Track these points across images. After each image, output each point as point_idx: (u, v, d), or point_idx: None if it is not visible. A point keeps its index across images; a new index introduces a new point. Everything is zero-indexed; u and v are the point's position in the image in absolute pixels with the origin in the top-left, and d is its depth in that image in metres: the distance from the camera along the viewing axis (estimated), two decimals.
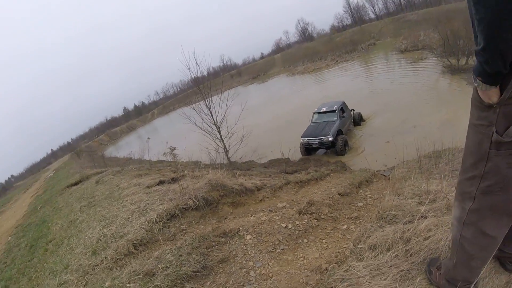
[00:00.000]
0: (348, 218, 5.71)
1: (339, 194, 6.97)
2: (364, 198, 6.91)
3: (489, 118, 1.50)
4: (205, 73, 17.73)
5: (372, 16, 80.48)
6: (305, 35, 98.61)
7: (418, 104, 18.01)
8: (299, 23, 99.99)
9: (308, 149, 16.72)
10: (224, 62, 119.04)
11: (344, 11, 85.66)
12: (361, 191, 7.52)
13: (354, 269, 3.06)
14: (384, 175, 9.45)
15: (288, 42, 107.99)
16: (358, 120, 19.05)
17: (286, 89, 45.43)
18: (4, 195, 63.57)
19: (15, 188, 69.51)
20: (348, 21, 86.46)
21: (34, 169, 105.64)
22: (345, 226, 5.16)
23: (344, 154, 15.34)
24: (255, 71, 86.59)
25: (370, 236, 3.58)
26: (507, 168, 1.54)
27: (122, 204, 7.18)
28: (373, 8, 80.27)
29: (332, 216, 5.65)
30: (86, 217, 7.84)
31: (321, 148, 16.34)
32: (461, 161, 1.78)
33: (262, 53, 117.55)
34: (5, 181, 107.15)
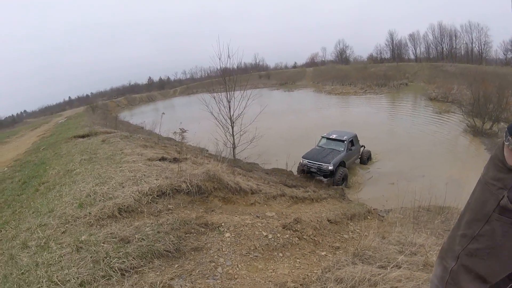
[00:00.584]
0: (329, 246, 5.79)
1: (328, 220, 7.05)
2: (352, 232, 6.98)
3: (505, 182, 1.38)
4: (235, 67, 17.75)
5: (412, 56, 79.16)
6: (342, 57, 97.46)
7: (432, 155, 17.94)
8: (339, 44, 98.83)
9: (304, 171, 16.21)
10: (257, 61, 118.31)
11: (386, 44, 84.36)
12: (351, 223, 7.59)
13: None
14: (380, 215, 9.48)
15: (323, 59, 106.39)
16: (365, 159, 18.55)
17: (310, 104, 45.40)
18: (12, 127, 64.41)
19: (24, 124, 70.26)
20: (387, 54, 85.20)
21: (47, 111, 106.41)
22: (323, 253, 5.26)
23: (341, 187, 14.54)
24: (284, 77, 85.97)
25: (340, 269, 3.65)
26: (501, 236, 1.47)
27: (120, 168, 7.30)
28: (414, 49, 79.09)
29: (314, 240, 5.73)
30: (83, 170, 7.98)
31: (319, 175, 15.85)
32: (459, 215, 1.68)
33: (295, 63, 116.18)
34: (17, 114, 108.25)
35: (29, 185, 8.70)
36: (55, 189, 7.12)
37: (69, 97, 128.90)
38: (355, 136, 17.78)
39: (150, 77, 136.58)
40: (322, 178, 15.96)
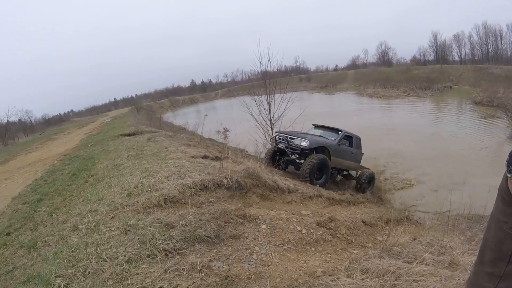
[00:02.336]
0: (362, 245, 5.94)
1: (363, 222, 7.17)
2: (386, 235, 7.03)
3: None
4: (275, 69, 17.93)
5: (456, 58, 75.86)
6: (384, 59, 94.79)
7: (474, 161, 17.05)
8: (381, 46, 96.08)
9: (274, 153, 13.30)
10: (297, 63, 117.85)
11: (429, 46, 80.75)
12: (386, 227, 7.63)
13: (340, 281, 3.39)
14: (417, 221, 9.46)
15: (365, 61, 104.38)
16: (363, 181, 13.48)
17: (350, 107, 44.74)
18: (59, 125, 67.13)
19: (71, 122, 73.01)
20: (430, 56, 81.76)
21: (93, 111, 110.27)
22: (355, 251, 5.40)
23: (320, 184, 11.18)
24: (325, 80, 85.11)
25: (367, 260, 3.85)
26: None
27: (166, 164, 7.74)
28: (459, 50, 75.81)
29: (347, 238, 5.91)
30: (131, 165, 8.48)
31: (289, 154, 12.64)
32: (479, 250, 1.56)
33: (336, 65, 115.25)
34: (64, 113, 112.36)
35: (79, 176, 9.29)
36: (104, 180, 7.65)
37: (115, 98, 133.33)
38: (358, 139, 14.41)
39: (192, 80, 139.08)
40: (294, 161, 12.82)
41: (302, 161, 12.14)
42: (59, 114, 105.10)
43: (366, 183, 13.32)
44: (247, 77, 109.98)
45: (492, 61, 63.13)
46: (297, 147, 11.92)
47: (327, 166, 11.84)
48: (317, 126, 14.88)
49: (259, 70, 16.75)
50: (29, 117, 68.55)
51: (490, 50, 69.32)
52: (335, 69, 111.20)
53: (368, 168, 14.77)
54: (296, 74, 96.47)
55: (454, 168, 16.07)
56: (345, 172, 14.42)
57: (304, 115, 16.23)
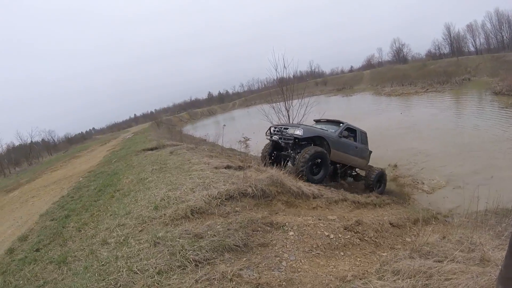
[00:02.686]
0: (390, 247, 5.90)
1: (390, 223, 7.12)
2: (415, 235, 6.95)
3: None
4: (291, 76, 17.94)
5: (472, 49, 74.52)
6: (399, 56, 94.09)
7: (500, 154, 16.34)
8: (395, 43, 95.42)
9: (271, 148, 12.35)
10: (312, 68, 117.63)
11: (443, 39, 79.64)
12: (414, 228, 7.54)
13: (372, 284, 3.38)
14: (445, 220, 9.34)
15: (380, 60, 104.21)
16: (371, 181, 12.47)
17: (369, 108, 44.20)
18: (82, 143, 68.46)
19: (93, 140, 74.25)
20: (445, 49, 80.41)
21: (115, 128, 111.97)
22: (384, 254, 5.36)
23: (316, 181, 10.12)
24: (341, 83, 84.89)
25: (398, 262, 3.83)
26: None
27: (190, 176, 7.80)
28: (473, 40, 74.52)
29: (375, 241, 5.88)
30: (155, 178, 8.58)
31: (284, 147, 11.66)
32: (509, 243, 1.59)
33: (351, 66, 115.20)
34: (86, 131, 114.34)
35: (105, 192, 9.44)
36: (130, 195, 7.75)
37: (135, 114, 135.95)
38: (364, 134, 13.46)
39: (209, 92, 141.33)
40: (290, 156, 11.61)
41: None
42: (81, 132, 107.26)
43: (375, 183, 12.40)
44: (263, 85, 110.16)
45: (508, 48, 62.02)
46: (290, 136, 10.94)
47: (326, 159, 10.63)
48: (318, 121, 14.05)
49: (275, 77, 16.88)
50: (51, 137, 70.23)
51: (505, 38, 68.33)
52: (351, 70, 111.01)
53: (378, 167, 13.52)
54: (312, 79, 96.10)
55: (479, 163, 15.50)
56: (353, 173, 13.71)
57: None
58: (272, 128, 12.28)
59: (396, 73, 66.71)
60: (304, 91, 17.76)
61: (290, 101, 16.10)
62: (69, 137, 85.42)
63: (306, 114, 15.85)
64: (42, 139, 64.88)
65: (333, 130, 12.21)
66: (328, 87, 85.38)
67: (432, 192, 13.78)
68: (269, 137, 12.24)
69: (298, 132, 10.60)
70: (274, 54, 16.32)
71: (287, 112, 15.91)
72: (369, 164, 13.68)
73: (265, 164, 10.22)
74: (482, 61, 55.85)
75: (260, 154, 12.86)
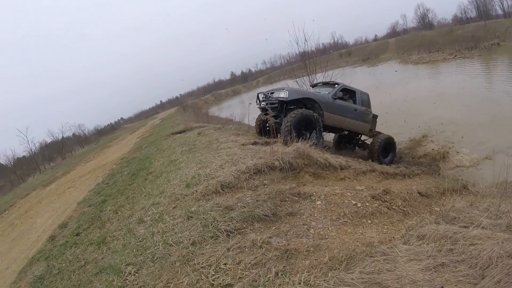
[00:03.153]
0: (418, 216, 5.96)
1: (419, 193, 7.15)
2: (443, 205, 6.97)
3: None
4: (313, 49, 17.64)
5: (500, 12, 69.80)
6: (424, 22, 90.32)
7: None
8: (419, 8, 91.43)
9: (263, 119, 11.39)
10: (335, 39, 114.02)
11: (469, 2, 75.61)
12: (444, 198, 7.53)
13: (397, 248, 3.48)
14: (475, 190, 9.24)
15: (405, 27, 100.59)
16: (376, 149, 11.48)
17: (396, 77, 42.85)
18: (112, 133, 69.85)
19: (122, 129, 75.71)
20: (472, 13, 76.38)
21: (142, 116, 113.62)
22: (412, 222, 5.46)
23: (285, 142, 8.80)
24: (366, 53, 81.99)
25: (423, 227, 3.92)
26: None
27: (218, 154, 7.99)
28: (501, 3, 69.21)
29: (403, 210, 5.95)
30: (185, 159, 8.79)
31: (269, 111, 10.49)
32: None
33: (376, 35, 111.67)
34: (115, 121, 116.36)
35: (138, 176, 9.76)
36: (162, 176, 8.02)
37: (160, 100, 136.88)
38: (365, 95, 12.33)
39: (232, 72, 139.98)
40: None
41: None
42: (110, 123, 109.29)
43: (380, 151, 11.38)
44: (285, 61, 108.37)
45: None
46: (275, 100, 10.06)
47: (315, 123, 9.63)
48: (314, 85, 13.10)
49: (297, 52, 16.65)
50: (82, 130, 71.76)
51: None
52: (375, 39, 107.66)
53: (386, 134, 12.37)
54: (335, 50, 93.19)
55: (510, 132, 15.10)
56: (358, 140, 12.85)
57: None
58: (260, 95, 11.41)
59: (423, 40, 64.27)
60: (327, 64, 17.42)
61: (314, 74, 15.90)
62: (99, 128, 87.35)
63: None
64: (73, 134, 66.69)
65: (326, 92, 11.28)
66: (352, 58, 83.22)
67: (462, 163, 13.50)
68: (258, 106, 11.43)
69: (283, 94, 9.76)
70: (294, 27, 16.15)
71: (312, 86, 15.74)
72: (377, 130, 13.01)
73: (260, 134, 10.79)
74: (511, 25, 53.45)
75: (255, 124, 12.21)
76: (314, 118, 9.59)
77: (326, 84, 12.52)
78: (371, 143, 12.00)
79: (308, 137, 9.15)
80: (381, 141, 11.53)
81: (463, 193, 8.45)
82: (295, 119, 9.13)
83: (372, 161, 10.56)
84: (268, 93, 10.84)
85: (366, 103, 12.13)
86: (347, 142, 12.87)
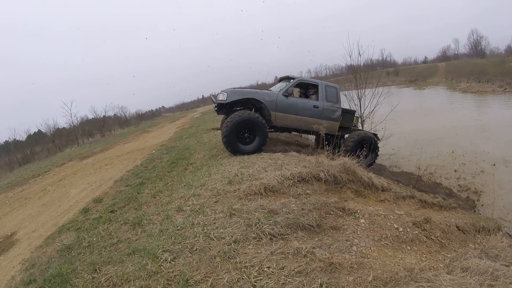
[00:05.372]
0: (454, 250, 5.84)
1: (457, 227, 7.01)
2: (478, 244, 6.83)
3: None
4: (361, 64, 17.36)
5: None
6: (476, 50, 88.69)
7: None
8: (472, 35, 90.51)
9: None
10: (384, 56, 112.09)
11: None
12: (478, 236, 7.39)
13: (441, 277, 3.44)
14: (508, 234, 9.02)
15: (456, 52, 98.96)
16: (348, 145, 10.38)
17: (442, 103, 41.74)
18: (152, 119, 71.06)
19: (162, 117, 76.87)
20: None
21: (183, 107, 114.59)
22: (449, 255, 5.35)
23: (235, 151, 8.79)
24: (413, 74, 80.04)
25: (467, 259, 3.88)
26: None
27: (261, 157, 8.06)
28: None
29: (441, 241, 5.83)
30: (227, 155, 8.93)
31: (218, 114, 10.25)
32: None
33: (425, 57, 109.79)
34: (156, 109, 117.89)
35: (178, 164, 9.83)
36: (203, 169, 8.09)
37: (202, 95, 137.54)
38: (332, 89, 10.85)
39: (276, 77, 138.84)
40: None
41: None
42: (151, 109, 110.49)
43: (354, 147, 10.09)
44: (331, 72, 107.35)
45: None
46: (215, 102, 9.61)
47: (259, 125, 8.93)
48: (280, 79, 11.79)
49: (348, 64, 16.41)
50: (123, 112, 73.06)
51: None
52: (424, 62, 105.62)
53: (368, 132, 11.72)
54: (383, 68, 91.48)
55: None
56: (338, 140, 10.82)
57: (395, 112, 15.63)
58: (212, 97, 10.80)
59: (474, 68, 62.18)
60: (379, 80, 17.13)
61: (363, 89, 15.66)
62: (140, 113, 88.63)
63: (379, 104, 15.37)
64: (114, 114, 67.85)
65: (279, 89, 10.20)
66: (399, 78, 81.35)
67: (496, 201, 13.10)
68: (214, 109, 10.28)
69: (222, 97, 9.21)
70: (349, 41, 15.98)
71: (359, 100, 15.54)
72: (359, 128, 12.38)
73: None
74: None
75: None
76: (256, 120, 8.91)
77: (284, 79, 11.34)
78: (346, 139, 10.94)
79: (251, 141, 9.00)
80: (356, 138, 10.55)
81: (497, 234, 8.25)
82: (233, 123, 8.64)
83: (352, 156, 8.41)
84: (215, 95, 10.24)
85: (333, 98, 10.68)
86: (327, 141, 10.72)
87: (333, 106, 10.54)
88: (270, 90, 10.43)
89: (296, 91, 11.43)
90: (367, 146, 10.60)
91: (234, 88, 9.71)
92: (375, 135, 11.79)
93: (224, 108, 9.46)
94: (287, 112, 9.74)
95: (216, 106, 9.69)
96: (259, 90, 9.91)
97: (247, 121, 8.76)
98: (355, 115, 12.22)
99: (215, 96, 10.02)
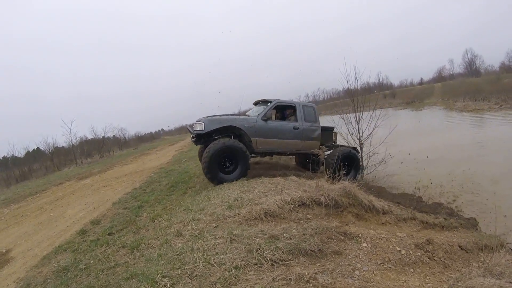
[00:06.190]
0: (458, 270, 5.79)
1: (459, 246, 6.97)
2: (482, 262, 6.80)
3: None
4: (358, 88, 17.59)
5: None
6: (471, 68, 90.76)
7: None
8: (467, 54, 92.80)
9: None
10: (380, 79, 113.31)
11: None
12: (481, 254, 7.36)
13: None
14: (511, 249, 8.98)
15: (451, 72, 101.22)
16: (333, 160, 10.19)
17: (440, 123, 41.79)
18: (151, 141, 71.35)
19: (161, 139, 77.39)
20: None
21: (183, 130, 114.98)
22: (453, 275, 5.31)
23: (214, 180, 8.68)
24: (410, 95, 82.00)
25: (471, 279, 3.88)
26: None
27: (261, 181, 8.01)
28: None
29: (444, 262, 5.78)
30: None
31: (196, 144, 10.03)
32: None
33: (421, 78, 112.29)
34: (155, 131, 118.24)
35: (177, 188, 9.86)
36: (202, 193, 8.06)
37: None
38: (310, 109, 10.87)
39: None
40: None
41: None
42: (150, 132, 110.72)
43: (336, 163, 9.69)
44: (328, 96, 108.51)
45: None
46: (193, 134, 9.39)
47: (239, 152, 8.85)
48: (256, 103, 11.45)
49: (345, 88, 16.61)
50: (123, 134, 73.15)
51: None
52: (420, 83, 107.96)
53: (348, 147, 11.72)
54: (380, 90, 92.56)
55: None
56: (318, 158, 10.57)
57: (393, 133, 15.67)
58: (188, 127, 10.67)
59: (469, 87, 63.77)
60: (376, 103, 17.28)
61: (361, 113, 15.78)
62: (139, 135, 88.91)
63: (377, 127, 15.45)
64: (114, 135, 67.93)
65: (257, 114, 9.96)
66: (396, 100, 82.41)
67: (498, 218, 12.96)
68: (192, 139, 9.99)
69: (199, 127, 9.00)
70: (346, 66, 16.10)
71: (357, 124, 15.62)
72: (339, 144, 12.18)
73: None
74: None
75: None
76: (237, 148, 8.82)
77: (262, 102, 10.96)
78: (327, 156, 10.84)
79: (233, 170, 8.90)
80: (338, 155, 10.32)
81: (500, 251, 8.21)
82: (213, 150, 8.52)
83: (333, 175, 8.49)
84: (191, 125, 10.21)
85: (311, 117, 10.70)
86: (308, 160, 11.12)
87: (312, 126, 10.59)
88: (247, 115, 10.39)
89: (273, 113, 11.12)
90: (349, 162, 10.79)
91: (210, 116, 9.50)
92: (355, 149, 11.93)
93: (202, 138, 9.34)
94: (268, 136, 9.67)
95: (193, 137, 9.49)
96: (237, 116, 9.80)
97: (229, 149, 8.69)
98: (334, 131, 12.31)
99: (192, 126, 9.87)
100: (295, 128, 10.12)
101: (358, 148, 12.77)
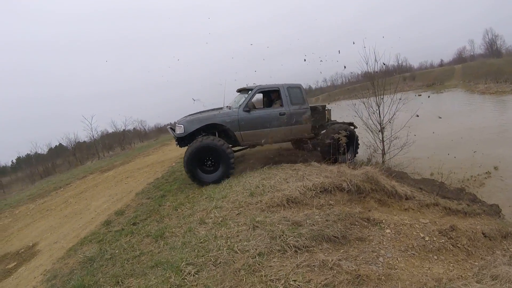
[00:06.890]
0: (481, 258, 5.73)
1: (483, 233, 6.88)
2: (505, 250, 6.71)
3: None
4: (377, 70, 17.17)
5: None
6: (492, 49, 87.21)
7: None
8: (487, 34, 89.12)
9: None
10: (399, 61, 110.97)
11: None
12: (505, 242, 7.25)
13: (471, 286, 3.39)
14: None
15: (472, 53, 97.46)
16: (327, 143, 9.57)
17: (461, 106, 40.95)
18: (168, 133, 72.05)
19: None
20: None
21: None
22: (476, 263, 5.26)
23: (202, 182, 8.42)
24: (430, 78, 79.57)
25: (496, 267, 3.84)
26: None
27: (282, 168, 8.05)
28: None
29: (467, 249, 5.71)
30: (248, 167, 8.94)
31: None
32: None
33: (441, 60, 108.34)
34: (174, 122, 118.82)
35: None
36: (224, 181, 8.10)
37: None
38: (295, 90, 9.89)
39: None
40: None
41: None
42: (170, 123, 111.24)
43: (331, 146, 9.19)
44: (347, 80, 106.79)
45: None
46: (175, 136, 8.96)
47: (218, 151, 8.32)
48: (240, 90, 10.52)
49: (364, 71, 16.33)
50: (143, 126, 73.77)
51: None
52: (441, 65, 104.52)
53: (342, 125, 10.71)
54: (399, 73, 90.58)
55: None
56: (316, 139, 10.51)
57: (414, 117, 15.36)
58: (170, 129, 10.19)
59: (490, 68, 61.57)
60: (397, 87, 16.91)
61: (382, 96, 15.49)
62: (159, 127, 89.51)
63: (398, 110, 15.15)
64: (134, 128, 68.50)
65: (237, 105, 9.32)
66: (416, 83, 79.30)
67: None
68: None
69: (179, 130, 8.59)
70: (365, 47, 15.82)
71: (378, 107, 15.33)
72: (334, 121, 11.37)
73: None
74: None
75: None
76: (215, 146, 8.29)
77: (244, 91, 10.14)
78: (320, 138, 10.30)
79: (215, 170, 8.52)
80: (332, 135, 9.58)
81: None
82: (191, 150, 8.21)
83: (330, 160, 8.83)
84: (173, 126, 9.66)
85: (299, 99, 9.79)
86: (303, 143, 10.88)
87: (300, 108, 9.73)
88: (229, 107, 9.76)
89: (262, 101, 10.92)
90: (348, 141, 9.54)
91: (190, 116, 9.26)
92: (352, 124, 11.40)
93: (185, 140, 8.86)
94: (253, 128, 9.03)
95: (176, 140, 9.06)
96: (217, 112, 9.11)
97: (206, 148, 8.25)
98: (326, 108, 11.39)
99: (173, 129, 9.40)
100: (281, 114, 9.34)
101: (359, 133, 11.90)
